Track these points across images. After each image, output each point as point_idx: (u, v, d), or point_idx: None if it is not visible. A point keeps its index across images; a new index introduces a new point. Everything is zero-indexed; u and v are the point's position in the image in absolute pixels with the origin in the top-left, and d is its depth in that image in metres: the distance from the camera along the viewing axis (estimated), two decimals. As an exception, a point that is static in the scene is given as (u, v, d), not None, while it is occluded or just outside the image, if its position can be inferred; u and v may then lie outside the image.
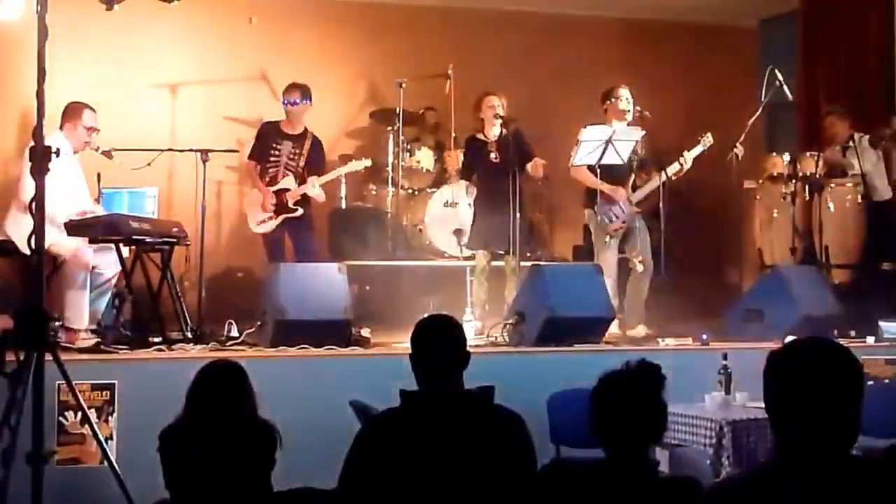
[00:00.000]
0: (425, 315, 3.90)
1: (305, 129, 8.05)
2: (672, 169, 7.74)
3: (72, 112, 6.90)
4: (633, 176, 7.86)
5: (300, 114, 7.98)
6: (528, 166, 7.78)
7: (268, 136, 8.04)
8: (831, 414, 2.38)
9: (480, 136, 8.01)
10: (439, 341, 3.69)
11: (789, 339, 2.59)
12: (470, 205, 8.27)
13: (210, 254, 7.86)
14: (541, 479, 3.36)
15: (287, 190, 7.87)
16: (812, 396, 2.39)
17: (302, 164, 7.97)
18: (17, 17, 6.18)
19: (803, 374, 2.41)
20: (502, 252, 7.82)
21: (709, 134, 7.86)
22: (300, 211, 7.88)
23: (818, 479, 2.36)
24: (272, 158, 7.98)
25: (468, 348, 3.74)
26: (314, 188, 7.89)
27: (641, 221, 7.84)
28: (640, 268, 7.76)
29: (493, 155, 7.89)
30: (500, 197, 7.61)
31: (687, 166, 7.79)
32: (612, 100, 7.85)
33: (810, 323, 7.05)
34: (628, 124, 7.79)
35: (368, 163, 8.36)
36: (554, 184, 9.24)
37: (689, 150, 7.81)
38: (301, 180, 7.91)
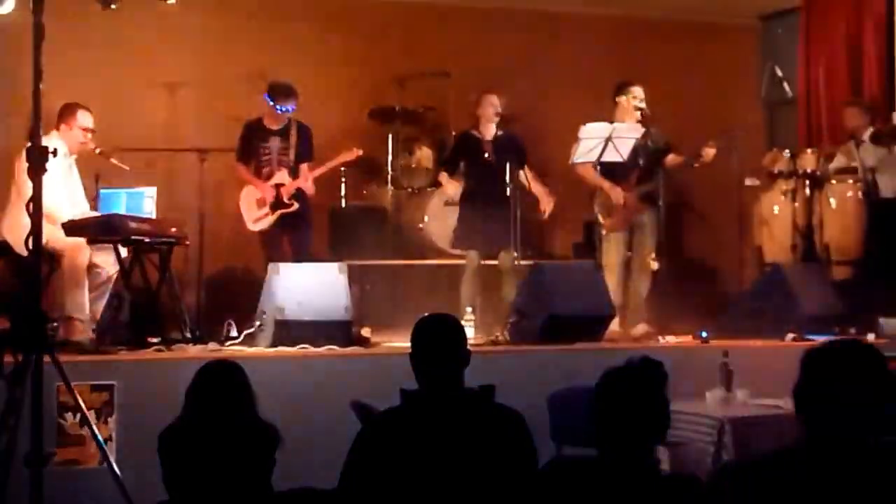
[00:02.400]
0: (425, 314, 3.88)
1: (289, 120, 7.95)
2: (691, 160, 7.75)
3: (66, 113, 6.90)
4: (636, 172, 7.83)
5: (289, 115, 7.93)
6: (535, 190, 7.79)
7: (252, 136, 7.94)
8: (857, 407, 2.64)
9: (475, 133, 8.00)
10: (439, 340, 3.68)
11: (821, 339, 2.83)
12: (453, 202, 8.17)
13: (209, 254, 7.85)
14: (542, 478, 3.35)
15: (282, 185, 7.83)
16: (842, 391, 2.66)
17: (292, 156, 7.90)
18: (8, 10, 6.17)
19: (835, 371, 2.69)
20: (494, 252, 7.81)
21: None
22: (296, 205, 7.83)
23: (838, 463, 2.57)
24: (263, 157, 7.90)
25: (468, 347, 3.73)
26: (308, 183, 7.85)
27: (651, 217, 7.82)
28: (654, 265, 7.76)
29: (486, 154, 7.87)
30: (492, 196, 7.62)
31: (708, 157, 7.75)
32: (624, 96, 7.84)
33: (811, 320, 7.05)
34: (637, 121, 7.78)
35: (359, 152, 8.23)
36: (553, 182, 9.22)
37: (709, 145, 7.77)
38: (295, 173, 7.86)
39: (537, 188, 7.85)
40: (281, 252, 7.86)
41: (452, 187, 8.07)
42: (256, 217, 7.88)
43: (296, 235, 7.94)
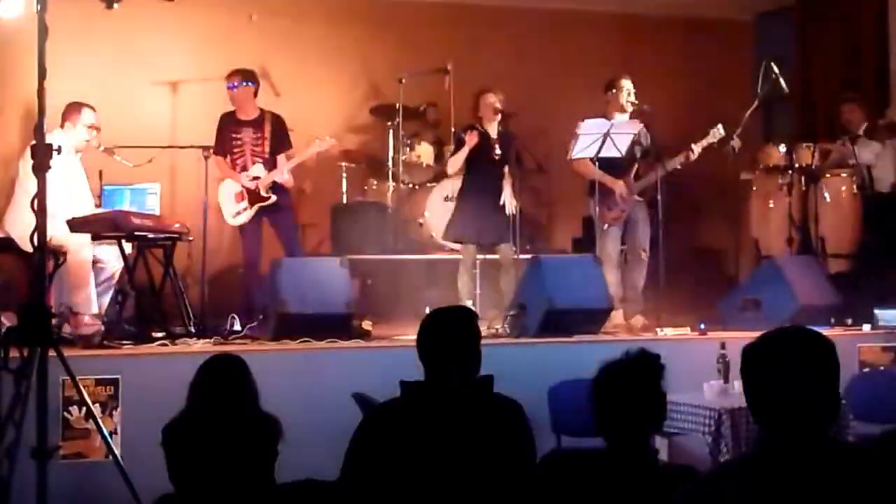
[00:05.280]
0: (443, 306, 3.93)
1: (262, 112, 7.87)
2: (678, 160, 7.76)
3: (71, 111, 6.97)
4: (635, 166, 7.89)
5: (244, 98, 7.81)
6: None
7: (224, 127, 7.84)
8: (807, 398, 2.45)
9: (481, 128, 8.02)
10: (451, 333, 3.71)
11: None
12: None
13: (212, 249, 7.89)
14: (541, 468, 3.40)
15: (257, 178, 7.74)
16: (786, 382, 2.46)
17: (267, 148, 7.80)
18: (17, 15, 6.20)
19: (776, 362, 2.50)
20: (492, 245, 7.86)
21: (719, 126, 7.81)
22: (274, 198, 7.72)
23: (799, 465, 2.42)
24: (235, 149, 7.80)
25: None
26: (283, 175, 7.75)
27: (644, 212, 7.87)
28: (644, 257, 7.83)
29: (496, 149, 7.88)
30: (493, 191, 7.69)
31: (693, 157, 7.78)
32: (614, 91, 7.89)
33: (807, 312, 7.10)
34: (630, 116, 7.82)
35: (333, 142, 8.12)
36: (553, 177, 9.28)
37: (696, 143, 7.80)
38: (270, 165, 7.78)
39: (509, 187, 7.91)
40: (260, 243, 7.79)
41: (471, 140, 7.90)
42: (236, 211, 7.76)
43: (281, 229, 7.85)
